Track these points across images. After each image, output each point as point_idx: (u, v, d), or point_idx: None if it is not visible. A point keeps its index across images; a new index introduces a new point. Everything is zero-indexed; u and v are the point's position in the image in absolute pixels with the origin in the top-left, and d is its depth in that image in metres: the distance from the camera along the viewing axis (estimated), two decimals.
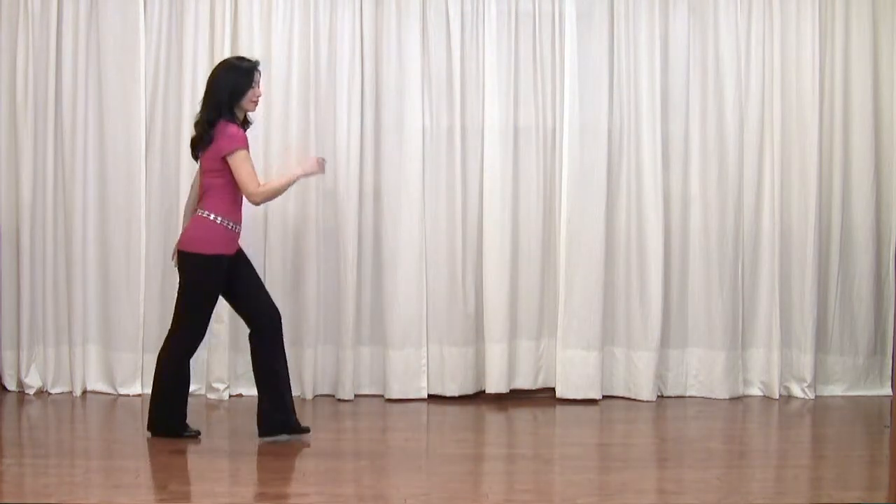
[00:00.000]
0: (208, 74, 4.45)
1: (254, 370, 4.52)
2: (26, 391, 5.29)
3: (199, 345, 4.52)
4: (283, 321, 5.31)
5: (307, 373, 5.29)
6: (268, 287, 5.28)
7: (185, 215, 4.63)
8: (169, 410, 4.44)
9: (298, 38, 5.27)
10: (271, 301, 4.55)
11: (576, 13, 5.28)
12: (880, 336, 5.48)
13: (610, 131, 5.31)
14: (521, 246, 5.34)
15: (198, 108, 5.20)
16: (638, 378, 5.32)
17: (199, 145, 4.35)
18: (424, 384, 5.32)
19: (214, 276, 4.36)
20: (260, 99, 4.46)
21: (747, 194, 5.38)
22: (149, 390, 5.28)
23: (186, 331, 4.42)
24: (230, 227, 4.38)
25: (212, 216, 4.32)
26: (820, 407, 5.25)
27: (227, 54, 5.20)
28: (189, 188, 4.70)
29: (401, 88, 5.26)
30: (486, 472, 4.10)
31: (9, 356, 5.34)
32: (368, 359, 5.37)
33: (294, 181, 4.47)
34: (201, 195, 4.40)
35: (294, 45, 5.27)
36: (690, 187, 5.37)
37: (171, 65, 5.31)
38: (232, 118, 4.32)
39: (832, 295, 5.43)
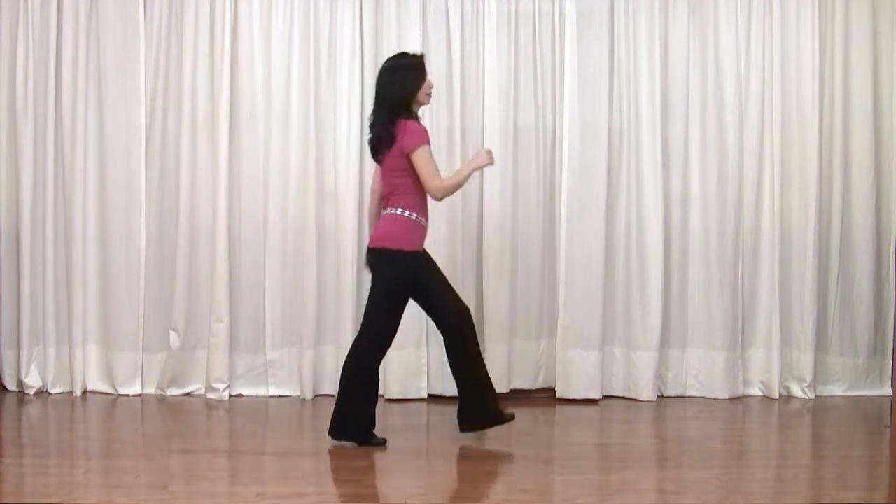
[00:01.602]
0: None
1: (450, 368, 4.42)
2: (26, 391, 5.29)
3: (388, 348, 4.37)
4: (284, 321, 5.35)
5: (307, 373, 5.28)
6: (267, 288, 5.32)
7: (370, 223, 4.54)
8: (356, 417, 4.33)
9: (298, 38, 5.27)
10: (459, 298, 4.43)
11: (576, 13, 5.28)
12: (880, 336, 5.48)
13: (610, 131, 5.31)
14: (521, 246, 5.34)
15: (197, 108, 5.27)
16: (638, 378, 5.32)
17: (381, 146, 4.28)
18: (424, 384, 5.32)
19: (411, 272, 4.27)
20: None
21: (747, 194, 5.38)
22: (149, 390, 5.35)
23: (378, 333, 4.31)
24: (422, 223, 4.31)
25: (406, 213, 4.25)
26: (820, 407, 5.25)
27: (227, 54, 5.22)
28: (369, 192, 4.59)
29: None
30: (486, 472, 4.10)
31: (9, 356, 5.34)
32: None
33: (470, 174, 4.35)
34: (388, 195, 4.32)
35: (294, 45, 5.27)
36: (690, 187, 5.37)
37: (171, 65, 5.31)
38: (410, 115, 4.27)
39: (832, 295, 5.44)
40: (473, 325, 4.43)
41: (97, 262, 5.32)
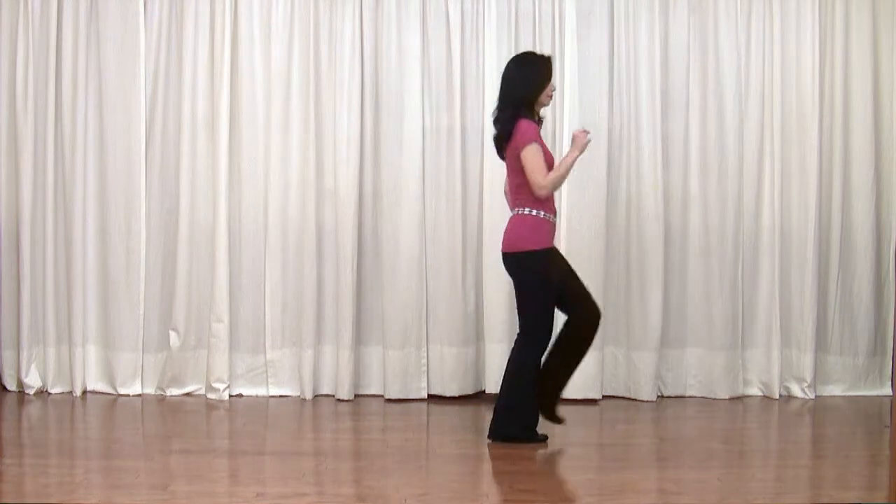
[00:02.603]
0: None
1: (546, 360, 4.39)
2: (26, 391, 5.29)
3: (548, 343, 4.35)
4: (284, 321, 5.35)
5: (307, 373, 5.28)
6: (268, 288, 5.32)
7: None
8: (519, 416, 4.33)
9: (298, 38, 5.27)
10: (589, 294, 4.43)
11: (576, 13, 5.28)
12: (880, 336, 5.48)
13: (610, 131, 5.31)
14: None
15: (197, 108, 5.27)
16: (638, 378, 5.32)
17: (502, 143, 4.32)
18: (424, 384, 5.32)
19: (550, 269, 4.28)
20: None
21: (747, 194, 5.38)
22: (149, 390, 5.35)
23: (538, 331, 4.32)
24: (551, 220, 4.32)
25: (534, 212, 4.26)
26: (820, 407, 5.25)
27: (227, 54, 5.22)
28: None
29: (401, 88, 5.26)
30: (486, 472, 4.10)
31: (9, 356, 5.34)
32: (368, 359, 5.37)
33: (573, 163, 4.31)
34: (514, 195, 4.34)
35: (294, 45, 5.27)
36: (690, 187, 5.37)
37: (171, 65, 5.31)
38: (530, 114, 4.29)
39: (832, 295, 5.43)
40: (596, 331, 4.43)
41: (97, 262, 5.33)
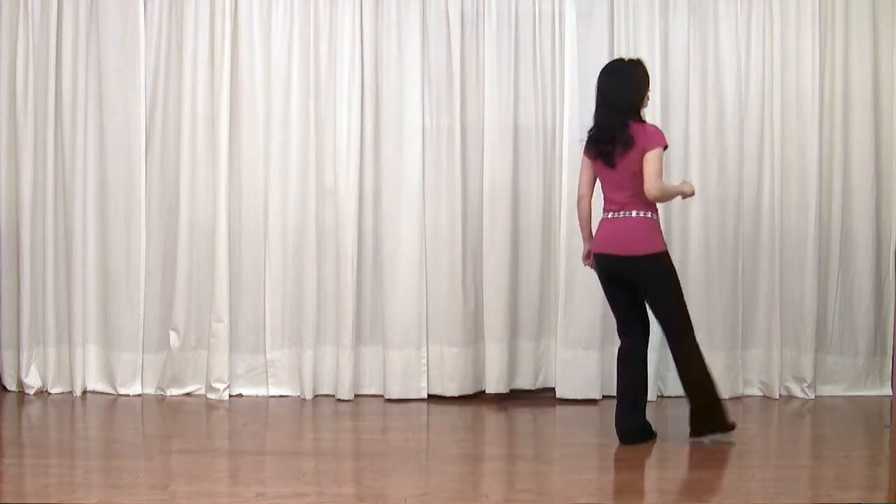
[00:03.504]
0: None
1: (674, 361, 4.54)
2: (26, 391, 5.29)
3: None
4: (284, 321, 5.35)
5: (307, 373, 5.28)
6: (268, 288, 5.32)
7: (584, 227, 4.53)
8: (713, 412, 4.41)
9: (298, 38, 5.27)
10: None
11: (576, 13, 5.28)
12: (880, 336, 5.47)
13: None
14: (521, 246, 5.34)
15: (197, 108, 5.27)
16: None
17: (616, 149, 4.29)
18: (424, 384, 5.32)
19: (673, 266, 4.40)
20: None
21: (747, 194, 5.38)
22: (149, 390, 5.36)
23: (689, 323, 4.45)
24: (659, 222, 4.42)
25: (651, 215, 4.34)
26: (820, 407, 5.25)
27: (227, 54, 5.22)
28: (581, 192, 4.48)
29: (401, 88, 5.26)
30: (486, 472, 4.10)
31: (9, 356, 5.34)
32: (368, 359, 5.37)
33: (677, 194, 4.45)
34: (628, 198, 4.31)
35: (294, 45, 5.27)
36: None
37: (171, 65, 5.31)
38: (641, 117, 4.37)
39: (832, 295, 5.43)
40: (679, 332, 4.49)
41: (97, 261, 5.33)
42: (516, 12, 5.31)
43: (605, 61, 5.29)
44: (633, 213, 4.32)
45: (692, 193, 4.50)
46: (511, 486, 3.85)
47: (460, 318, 5.32)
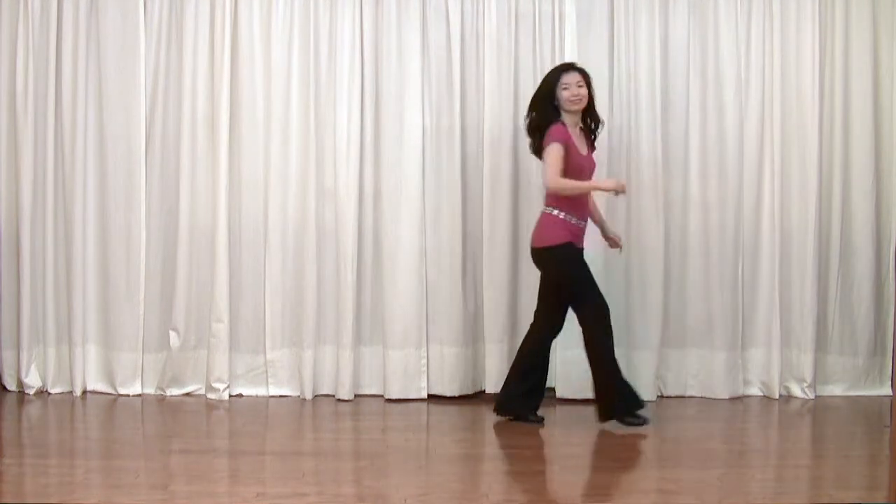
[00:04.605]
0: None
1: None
2: (26, 391, 5.29)
3: (608, 312, 4.64)
4: (284, 321, 5.35)
5: (307, 373, 5.28)
6: (268, 288, 5.32)
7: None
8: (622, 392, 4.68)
9: (298, 38, 5.27)
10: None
11: (576, 13, 5.28)
12: (880, 336, 5.47)
13: (610, 131, 5.31)
14: (521, 246, 5.33)
15: (197, 108, 5.29)
16: (638, 378, 5.30)
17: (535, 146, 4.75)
18: (424, 384, 5.32)
19: (571, 260, 4.63)
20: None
21: (747, 194, 5.38)
22: (149, 390, 5.36)
23: (589, 307, 4.63)
24: (572, 222, 4.62)
25: (554, 212, 4.62)
26: (820, 407, 5.25)
27: (227, 54, 5.23)
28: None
29: (401, 88, 5.26)
30: (486, 472, 4.10)
31: (9, 356, 5.34)
32: (368, 359, 5.37)
33: (589, 188, 4.69)
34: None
35: (294, 45, 5.27)
36: (690, 187, 5.37)
37: (171, 65, 5.31)
38: (557, 117, 4.66)
39: (832, 295, 5.43)
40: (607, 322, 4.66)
41: (97, 262, 5.32)
42: (516, 12, 5.31)
43: (605, 61, 5.32)
44: (543, 208, 4.71)
45: (614, 188, 4.63)
46: (511, 486, 3.85)
47: (460, 318, 5.32)
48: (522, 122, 5.33)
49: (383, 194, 5.29)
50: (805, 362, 5.36)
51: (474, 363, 5.36)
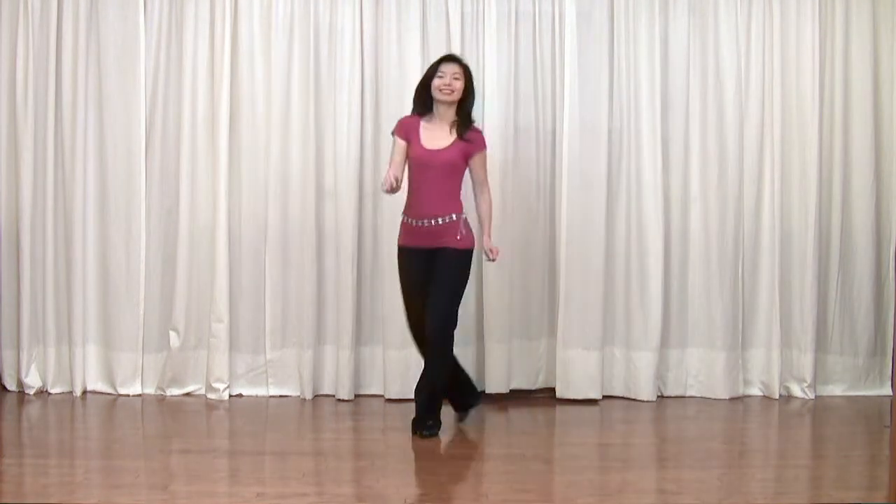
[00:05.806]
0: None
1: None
2: (26, 391, 5.29)
3: (412, 331, 4.67)
4: (284, 321, 5.34)
5: (307, 373, 5.28)
6: (268, 288, 5.32)
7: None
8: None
9: (298, 39, 5.27)
10: (440, 308, 4.48)
11: (576, 13, 5.28)
12: (880, 336, 5.48)
13: (610, 131, 5.31)
14: (521, 246, 5.34)
15: (197, 108, 5.28)
16: (638, 378, 5.32)
17: None
18: None
19: (401, 265, 4.61)
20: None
21: (747, 194, 5.38)
22: (149, 390, 5.37)
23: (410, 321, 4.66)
24: (406, 221, 4.59)
25: (403, 211, 4.62)
26: (820, 407, 5.25)
27: (227, 54, 5.23)
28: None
29: (401, 88, 5.25)
30: (486, 472, 4.10)
31: (9, 356, 5.34)
32: (368, 359, 5.37)
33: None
34: None
35: (294, 46, 5.27)
36: (690, 187, 5.37)
37: (171, 65, 5.31)
38: (428, 108, 4.61)
39: (832, 295, 5.43)
40: (437, 338, 4.52)
41: (97, 262, 5.32)
42: (516, 12, 5.31)
43: (605, 61, 5.32)
44: None
45: (385, 185, 4.43)
46: (511, 486, 3.85)
47: (460, 318, 5.30)
48: (522, 122, 5.36)
49: (383, 195, 5.28)
50: (805, 362, 5.36)
51: (474, 363, 5.36)
